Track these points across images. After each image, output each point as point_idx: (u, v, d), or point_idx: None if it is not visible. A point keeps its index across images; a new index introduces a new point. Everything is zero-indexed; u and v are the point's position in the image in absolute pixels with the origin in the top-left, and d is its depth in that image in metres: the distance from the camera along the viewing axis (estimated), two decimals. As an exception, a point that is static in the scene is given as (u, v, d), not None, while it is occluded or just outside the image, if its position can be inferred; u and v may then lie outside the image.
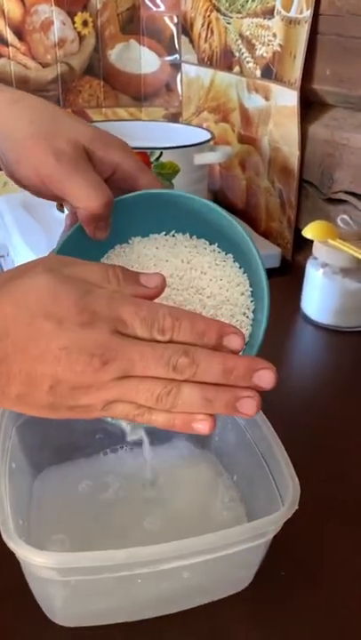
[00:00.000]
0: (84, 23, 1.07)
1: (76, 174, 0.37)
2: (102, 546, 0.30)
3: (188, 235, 0.40)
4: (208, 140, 0.81)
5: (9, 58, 1.05)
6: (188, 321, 0.29)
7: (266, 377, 0.29)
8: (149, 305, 0.29)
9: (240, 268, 0.39)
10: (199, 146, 0.80)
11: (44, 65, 1.07)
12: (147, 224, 0.40)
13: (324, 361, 0.65)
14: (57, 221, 0.97)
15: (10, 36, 1.04)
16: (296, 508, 0.32)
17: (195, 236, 0.40)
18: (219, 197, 1.10)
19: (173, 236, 0.40)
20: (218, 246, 0.40)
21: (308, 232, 0.68)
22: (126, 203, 0.39)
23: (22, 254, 0.88)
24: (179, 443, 0.45)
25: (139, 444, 0.44)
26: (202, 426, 0.29)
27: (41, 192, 0.40)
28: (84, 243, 0.39)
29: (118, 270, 0.31)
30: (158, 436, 0.44)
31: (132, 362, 0.28)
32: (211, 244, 0.40)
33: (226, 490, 0.41)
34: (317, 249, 0.68)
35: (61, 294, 0.28)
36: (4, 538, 0.30)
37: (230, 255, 0.40)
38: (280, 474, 0.35)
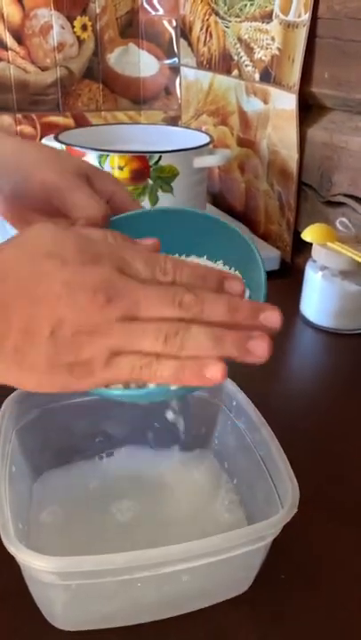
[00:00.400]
0: (84, 27, 1.07)
1: (78, 188, 0.39)
2: (102, 549, 0.30)
3: (184, 255, 0.40)
4: (207, 144, 0.81)
5: (8, 62, 1.05)
6: (189, 265, 0.30)
7: (273, 317, 0.29)
8: (149, 252, 0.31)
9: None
10: (198, 149, 0.80)
11: (44, 69, 1.07)
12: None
13: (323, 363, 0.65)
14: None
15: (9, 40, 1.04)
16: (295, 510, 0.32)
17: (193, 255, 0.40)
18: (218, 200, 1.10)
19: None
20: (208, 258, 0.39)
21: (308, 235, 0.68)
22: (119, 223, 0.39)
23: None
24: (179, 445, 0.45)
25: (138, 446, 0.45)
26: (213, 372, 0.27)
27: (37, 203, 0.40)
28: None
29: (116, 234, 0.32)
30: (159, 440, 0.45)
31: (136, 302, 0.28)
32: (206, 258, 0.39)
33: (226, 493, 0.41)
34: (316, 252, 0.68)
35: (64, 238, 0.29)
36: (5, 542, 0.30)
37: (232, 268, 0.39)
38: (279, 477, 0.35)
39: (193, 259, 0.39)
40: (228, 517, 0.40)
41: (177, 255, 0.40)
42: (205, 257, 0.39)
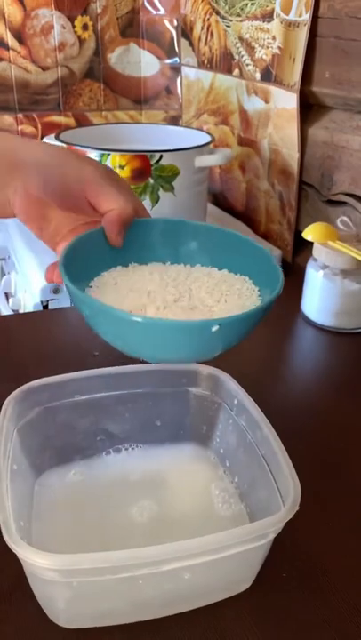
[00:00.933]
0: (84, 27, 1.07)
1: (112, 184, 0.41)
2: (103, 546, 0.30)
3: (188, 265, 0.43)
4: (208, 143, 0.81)
5: (9, 61, 1.05)
6: None
7: None
8: None
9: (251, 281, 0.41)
10: (199, 148, 0.80)
11: (45, 68, 1.07)
12: (159, 251, 0.43)
13: (324, 362, 0.65)
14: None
15: (10, 40, 1.04)
16: (297, 508, 0.32)
17: (198, 265, 0.43)
18: (219, 200, 1.10)
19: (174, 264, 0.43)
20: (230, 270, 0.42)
21: (309, 234, 0.68)
22: (140, 223, 0.42)
23: (23, 254, 0.88)
24: (181, 444, 0.45)
25: (139, 444, 0.45)
26: None
27: (69, 197, 0.41)
28: (94, 247, 0.41)
29: None
30: (160, 437, 0.45)
31: None
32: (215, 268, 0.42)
33: (227, 491, 0.41)
34: (317, 250, 0.68)
35: None
36: (6, 539, 0.30)
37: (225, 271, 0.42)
38: (281, 475, 0.35)
39: (198, 269, 0.42)
40: (230, 515, 0.40)
41: (199, 265, 0.43)
42: (226, 269, 0.42)
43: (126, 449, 0.44)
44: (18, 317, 0.79)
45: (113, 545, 0.37)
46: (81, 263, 0.38)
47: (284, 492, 0.34)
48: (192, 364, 0.44)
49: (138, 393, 0.43)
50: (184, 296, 0.38)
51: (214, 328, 0.33)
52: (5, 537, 0.30)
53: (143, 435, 0.44)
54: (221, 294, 0.39)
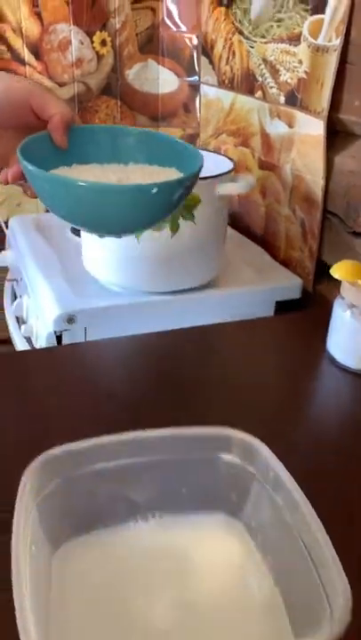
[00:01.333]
0: (103, 42, 1.05)
1: (52, 94, 0.51)
2: (124, 635, 0.27)
3: (122, 164, 0.52)
4: (230, 171, 0.78)
5: (25, 77, 1.03)
6: None
7: None
8: None
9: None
10: (221, 177, 0.77)
11: (61, 84, 1.05)
12: (97, 153, 0.52)
13: (352, 408, 0.62)
14: (70, 244, 0.94)
15: (27, 55, 1.01)
16: (349, 619, 0.29)
17: (131, 163, 0.52)
18: (236, 221, 1.07)
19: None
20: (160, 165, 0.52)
21: (337, 271, 0.65)
22: (81, 129, 0.52)
23: (35, 279, 0.85)
24: (208, 513, 0.42)
25: (163, 513, 0.42)
26: None
27: (16, 112, 0.49)
28: (41, 150, 0.48)
29: None
30: (186, 506, 0.42)
31: None
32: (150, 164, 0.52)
33: (259, 570, 0.38)
34: (346, 289, 0.65)
35: None
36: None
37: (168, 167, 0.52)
38: (325, 569, 0.32)
39: (132, 166, 0.52)
40: (262, 599, 0.37)
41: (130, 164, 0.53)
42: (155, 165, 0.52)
43: (149, 518, 0.41)
44: (33, 354, 0.76)
45: (134, 635, 0.34)
46: (32, 162, 0.45)
47: (331, 591, 0.30)
48: (222, 427, 0.41)
49: (163, 460, 0.40)
50: (124, 180, 0.49)
51: (154, 190, 0.43)
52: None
53: (168, 503, 0.41)
54: (154, 181, 0.47)
